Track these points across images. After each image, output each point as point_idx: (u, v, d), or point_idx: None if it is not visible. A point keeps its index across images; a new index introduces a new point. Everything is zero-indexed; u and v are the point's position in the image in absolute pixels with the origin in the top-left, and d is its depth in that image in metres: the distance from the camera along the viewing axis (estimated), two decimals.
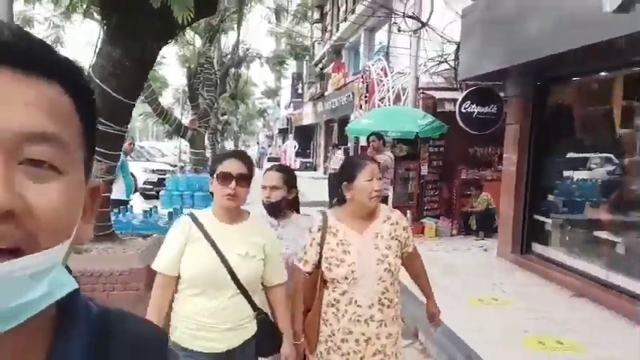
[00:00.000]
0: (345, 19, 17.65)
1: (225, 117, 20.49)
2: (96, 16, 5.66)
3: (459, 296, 5.46)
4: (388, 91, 11.61)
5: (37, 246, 0.49)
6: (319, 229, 2.42)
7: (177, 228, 2.28)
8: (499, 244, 7.72)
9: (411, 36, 10.33)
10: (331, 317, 2.41)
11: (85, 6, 4.96)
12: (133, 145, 9.42)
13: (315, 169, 25.82)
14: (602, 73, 6.16)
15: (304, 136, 29.29)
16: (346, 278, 2.35)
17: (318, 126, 26.48)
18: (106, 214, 5.07)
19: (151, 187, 14.95)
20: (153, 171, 15.58)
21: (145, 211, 6.90)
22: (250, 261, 2.24)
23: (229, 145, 36.60)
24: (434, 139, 10.00)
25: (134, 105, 4.97)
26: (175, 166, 17.11)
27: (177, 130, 14.61)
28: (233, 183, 2.17)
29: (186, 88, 14.92)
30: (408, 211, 9.93)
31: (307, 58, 23.94)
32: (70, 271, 0.54)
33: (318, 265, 2.42)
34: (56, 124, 0.51)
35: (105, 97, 4.70)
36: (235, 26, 14.64)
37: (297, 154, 27.22)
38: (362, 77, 12.82)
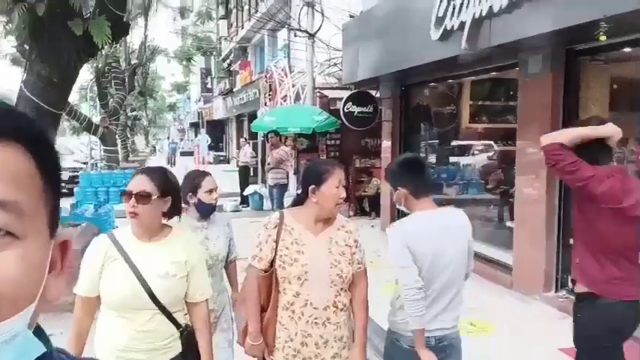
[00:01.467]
0: (250, 19, 18.69)
1: (135, 113, 20.81)
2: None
3: None
4: (290, 89, 12.87)
5: None
6: (275, 226, 2.35)
7: (94, 249, 2.20)
8: (381, 221, 9.25)
9: (306, 42, 11.64)
10: (287, 321, 2.32)
11: (17, 33, 5.68)
12: None
13: (228, 162, 26.68)
14: (450, 80, 7.80)
15: (216, 129, 29.95)
16: (299, 278, 2.28)
17: (230, 120, 27.29)
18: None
19: (64, 184, 15.17)
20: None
21: (71, 205, 7.69)
22: (170, 280, 2.16)
23: (140, 140, 36.33)
24: (330, 132, 11.43)
25: (62, 114, 5.84)
26: (86, 163, 17.39)
27: (88, 128, 15.00)
28: (132, 200, 2.12)
29: (95, 87, 15.31)
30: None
31: (215, 53, 24.62)
32: (41, 333, 0.55)
33: (272, 263, 2.34)
34: (15, 190, 0.50)
35: (37, 109, 5.55)
36: (140, 22, 15.25)
37: (210, 148, 27.87)
38: (265, 77, 13.99)
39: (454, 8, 5.41)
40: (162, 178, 2.23)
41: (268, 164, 10.36)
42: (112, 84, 14.89)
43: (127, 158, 19.67)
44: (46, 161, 0.54)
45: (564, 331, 3.17)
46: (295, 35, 12.08)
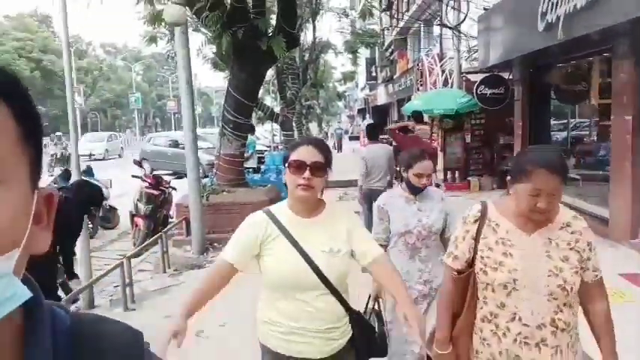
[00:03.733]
0: (408, 10, 20.18)
1: (309, 102, 23.78)
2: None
3: None
4: (439, 75, 14.21)
5: None
6: (475, 221, 1.99)
7: (251, 223, 2.10)
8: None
9: (453, 31, 12.87)
10: (489, 335, 1.93)
11: (224, 50, 8.21)
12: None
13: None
14: (573, 62, 8.56)
15: (380, 114, 32.04)
16: (505, 287, 1.87)
17: (392, 105, 29.11)
18: (242, 173, 8.49)
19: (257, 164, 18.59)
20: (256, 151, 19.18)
21: (261, 173, 10.34)
22: (335, 257, 2.03)
23: (313, 126, 40.12)
24: (475, 112, 12.55)
25: (254, 105, 8.26)
26: (269, 146, 20.71)
27: (270, 117, 18.05)
28: (307, 172, 1.97)
29: (276, 82, 18.29)
30: (457, 172, 12.76)
31: (378, 44, 26.53)
32: (31, 284, 0.54)
33: (470, 263, 1.98)
34: None
35: (236, 101, 8.02)
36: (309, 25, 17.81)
37: None
38: (417, 65, 15.49)
39: (553, 5, 6.48)
40: (328, 149, 2.12)
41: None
42: (289, 79, 17.68)
43: None
44: (23, 112, 0.54)
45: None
46: (443, 27, 13.37)
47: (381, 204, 3.10)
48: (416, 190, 3.00)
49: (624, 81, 6.16)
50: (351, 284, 2.20)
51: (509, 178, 1.94)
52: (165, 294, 5.70)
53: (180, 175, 15.38)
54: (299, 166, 1.98)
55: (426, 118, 12.99)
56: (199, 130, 27.12)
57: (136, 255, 6.82)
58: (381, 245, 2.71)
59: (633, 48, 5.98)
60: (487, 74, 10.40)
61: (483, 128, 12.88)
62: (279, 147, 19.55)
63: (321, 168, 2.01)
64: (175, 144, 20.95)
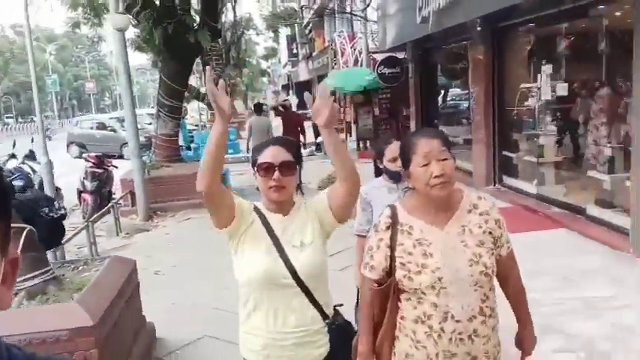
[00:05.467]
0: None
1: (233, 81, 24.81)
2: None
3: None
4: (350, 55, 15.80)
5: None
6: (387, 227, 1.87)
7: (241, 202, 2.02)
8: None
9: (360, 14, 14.46)
10: (423, 338, 1.83)
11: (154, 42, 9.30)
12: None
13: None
14: (453, 45, 10.35)
15: (302, 89, 33.49)
16: (433, 287, 1.78)
17: (313, 81, 30.61)
18: (177, 150, 9.73)
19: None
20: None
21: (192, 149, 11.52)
22: (307, 249, 1.96)
23: (239, 103, 40.97)
24: (382, 89, 14.29)
25: (185, 90, 9.45)
26: (197, 125, 21.67)
27: (197, 97, 19.05)
28: (277, 173, 1.91)
29: (200, 63, 19.24)
30: (368, 141, 14.51)
31: (298, 22, 27.79)
32: None
33: (388, 271, 1.86)
34: None
35: (169, 87, 9.21)
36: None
37: (299, 107, 31.54)
38: (331, 45, 17.02)
39: (425, 2, 8.13)
40: (296, 147, 2.09)
41: None
42: (213, 59, 18.68)
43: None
44: None
45: None
46: (352, 9, 14.93)
47: (363, 193, 2.95)
48: (396, 177, 2.85)
49: (477, 61, 7.97)
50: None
51: (402, 170, 1.91)
52: (123, 250, 6.94)
53: (110, 156, 16.09)
54: (267, 169, 1.93)
55: (338, 94, 14.62)
56: (123, 113, 27.38)
57: (92, 222, 7.95)
58: (363, 237, 2.82)
59: (483, 37, 7.77)
60: (386, 56, 12.10)
61: (389, 102, 14.68)
62: (206, 126, 20.60)
63: (291, 166, 1.97)
64: (103, 126, 21.41)
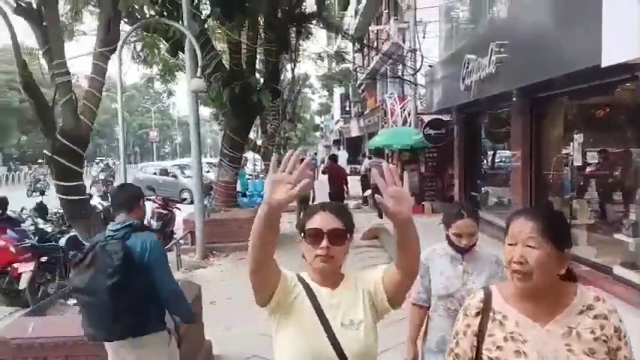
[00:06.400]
0: (377, 53, 22.87)
1: (287, 135, 26.16)
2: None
3: None
4: (399, 115, 16.67)
5: None
6: (478, 313, 1.66)
7: (289, 277, 1.84)
8: None
9: (410, 79, 15.38)
10: None
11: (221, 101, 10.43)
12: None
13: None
14: (499, 110, 10.98)
15: (354, 145, 34.59)
16: None
17: (364, 137, 31.67)
18: (235, 196, 10.64)
19: None
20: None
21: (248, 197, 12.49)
22: (357, 330, 1.78)
23: None
24: (429, 148, 14.97)
25: (245, 142, 10.46)
26: (251, 175, 22.91)
27: (253, 148, 20.31)
28: (325, 241, 1.76)
29: (258, 118, 20.63)
30: (413, 197, 15.09)
31: (351, 82, 29.23)
32: None
33: None
34: None
35: (231, 139, 10.23)
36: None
37: (349, 162, 32.55)
38: (382, 105, 17.97)
39: (468, 73, 8.87)
40: (348, 214, 1.89)
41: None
42: (270, 115, 20.01)
43: None
44: None
45: None
46: (403, 74, 15.91)
47: (423, 258, 2.69)
48: (461, 250, 2.67)
49: (516, 128, 8.55)
50: None
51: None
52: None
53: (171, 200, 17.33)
54: (316, 235, 1.78)
55: (387, 151, 15.38)
56: (185, 160, 29.01)
57: None
58: (420, 307, 2.70)
59: (521, 106, 8.38)
60: (432, 117, 12.84)
61: (435, 160, 15.29)
62: (260, 175, 21.77)
63: (341, 235, 1.80)
64: (165, 172, 22.96)
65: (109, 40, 5.56)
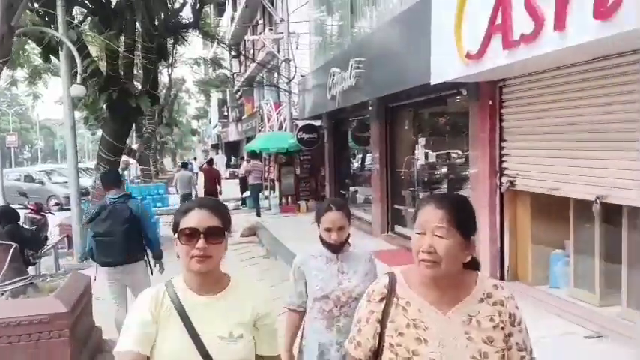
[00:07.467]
0: (254, 60, 23.65)
1: (163, 139, 25.94)
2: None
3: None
4: (275, 120, 17.61)
5: None
6: (382, 298, 1.60)
7: (146, 298, 1.71)
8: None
9: (284, 85, 16.38)
10: None
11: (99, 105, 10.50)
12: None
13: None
14: (360, 117, 12.29)
15: (232, 149, 35.02)
16: None
17: (242, 141, 32.26)
18: None
19: None
20: None
21: None
22: (235, 344, 1.68)
23: (168, 161, 41.77)
24: (303, 151, 16.05)
25: (124, 147, 10.61)
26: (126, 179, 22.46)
27: (129, 153, 19.98)
28: (201, 240, 1.64)
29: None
30: (289, 197, 16.06)
31: (229, 86, 29.69)
32: None
33: (376, 351, 1.59)
34: None
35: (109, 143, 10.37)
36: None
37: (228, 166, 32.89)
38: (259, 111, 18.80)
39: (334, 84, 9.99)
40: (225, 209, 1.79)
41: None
42: (146, 119, 19.87)
43: (157, 176, 24.71)
44: None
45: None
46: (278, 82, 16.88)
47: (298, 263, 2.74)
48: (335, 248, 2.66)
49: (375, 132, 9.83)
50: None
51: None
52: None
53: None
54: (191, 235, 1.65)
55: (265, 155, 16.22)
56: (51, 166, 27.35)
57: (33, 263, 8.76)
58: (293, 311, 2.71)
59: (379, 113, 9.66)
60: (304, 123, 13.93)
61: (309, 163, 16.43)
62: (135, 180, 21.46)
63: (218, 233, 1.69)
64: (30, 179, 21.61)
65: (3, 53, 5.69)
